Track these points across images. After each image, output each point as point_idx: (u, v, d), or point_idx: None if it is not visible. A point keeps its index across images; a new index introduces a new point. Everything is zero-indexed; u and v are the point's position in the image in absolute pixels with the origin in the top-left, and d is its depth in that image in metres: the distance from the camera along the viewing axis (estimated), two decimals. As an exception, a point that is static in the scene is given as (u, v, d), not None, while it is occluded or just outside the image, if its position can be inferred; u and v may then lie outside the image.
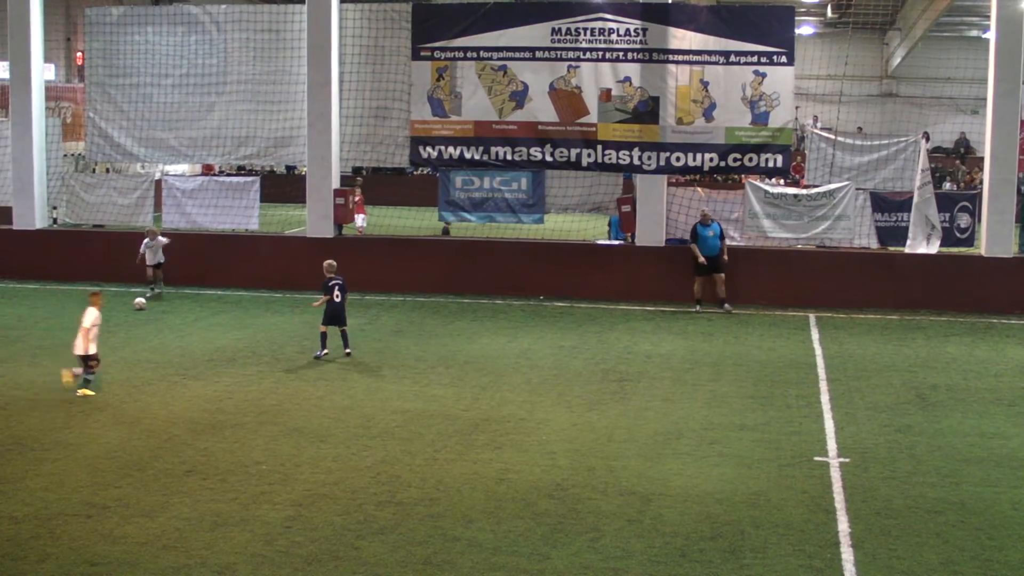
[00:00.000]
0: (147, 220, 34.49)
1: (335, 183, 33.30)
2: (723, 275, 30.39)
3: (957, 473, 16.76)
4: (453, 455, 17.15)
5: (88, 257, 34.06)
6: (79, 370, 20.55)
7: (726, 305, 30.27)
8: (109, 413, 19.36)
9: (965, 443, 18.39)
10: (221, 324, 27.87)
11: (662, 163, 31.89)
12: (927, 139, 35.91)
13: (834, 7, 57.75)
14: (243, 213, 34.33)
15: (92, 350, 20.51)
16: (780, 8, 33.92)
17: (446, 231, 39.11)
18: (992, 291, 31.13)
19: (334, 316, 24.09)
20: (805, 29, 59.11)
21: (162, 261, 31.25)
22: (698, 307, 30.41)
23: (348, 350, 24.03)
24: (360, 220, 41.18)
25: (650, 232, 32.36)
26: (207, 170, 55.10)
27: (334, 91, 32.99)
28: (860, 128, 52.33)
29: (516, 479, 16.02)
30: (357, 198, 37.99)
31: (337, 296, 23.97)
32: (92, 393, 20.33)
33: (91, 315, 20.63)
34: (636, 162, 31.98)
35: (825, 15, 59.15)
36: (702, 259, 30.24)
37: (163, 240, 31.22)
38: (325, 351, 23.78)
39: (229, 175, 46.59)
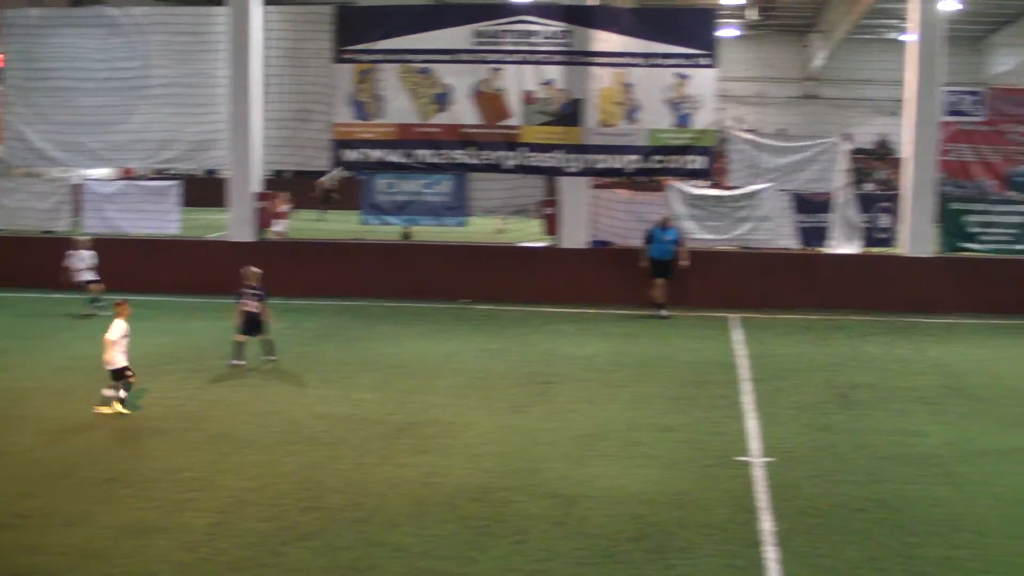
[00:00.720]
0: (65, 226, 34.13)
1: (256, 187, 33.12)
2: (668, 280, 30.31)
3: (879, 471, 16.91)
4: (378, 459, 17.07)
5: (9, 263, 33.58)
6: (109, 391, 19.81)
7: (662, 311, 30.21)
8: (30, 421, 19.10)
9: (887, 441, 18.54)
10: (142, 330, 27.39)
11: (585, 165, 31.96)
12: (848, 140, 36.13)
13: (760, 10, 58.13)
14: (163, 217, 33.99)
15: (121, 362, 19.83)
16: (701, 10, 34.22)
17: (407, 235, 38.53)
18: (913, 291, 31.44)
19: (249, 326, 23.79)
20: (729, 32, 59.43)
21: (89, 278, 30.12)
22: (663, 311, 30.31)
23: (272, 358, 23.69)
24: (281, 226, 40.79)
25: (574, 234, 32.42)
26: (127, 174, 54.59)
27: (256, 94, 32.80)
28: (782, 130, 52.67)
29: (441, 483, 15.97)
30: (283, 206, 37.67)
31: (251, 306, 23.60)
32: (127, 411, 19.72)
33: (118, 327, 20.03)
34: (559, 164, 32.03)
35: (749, 18, 59.54)
36: (644, 263, 30.26)
37: (87, 253, 30.09)
38: (241, 362, 23.44)
39: (149, 179, 46.13)
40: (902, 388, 22.46)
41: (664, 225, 30.52)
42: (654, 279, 30.31)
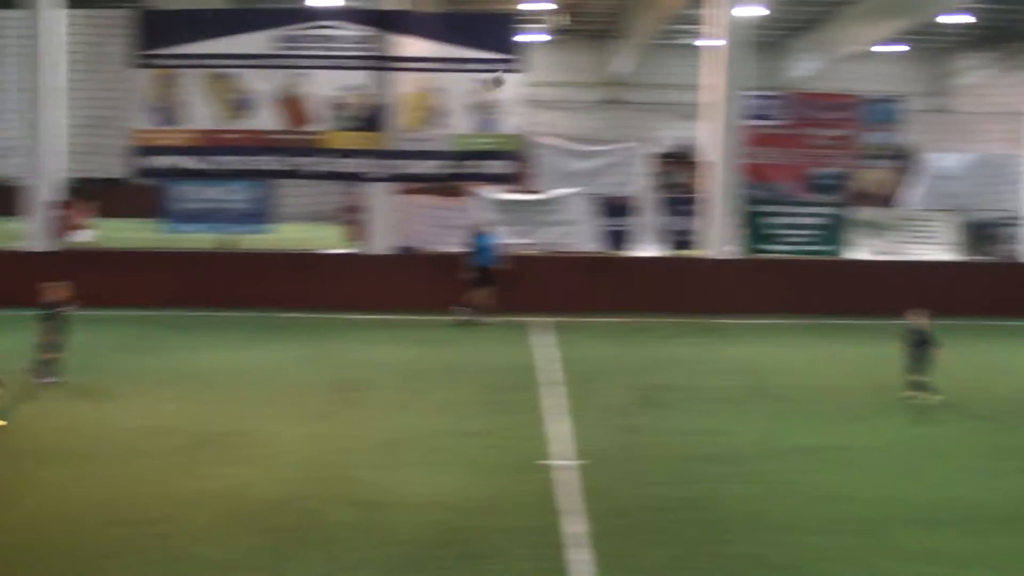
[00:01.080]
0: None
1: (53, 195, 32.31)
2: (490, 288, 30.16)
3: (689, 471, 17.03)
4: (182, 471, 16.65)
5: None
6: None
7: (487, 318, 30.00)
8: None
9: (696, 441, 18.71)
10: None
11: (391, 171, 31.77)
12: (652, 144, 36.58)
13: (568, 15, 58.39)
14: None
15: None
16: (502, 16, 34.27)
17: (224, 244, 37.67)
18: (717, 292, 31.88)
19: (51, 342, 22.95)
20: (537, 37, 59.67)
21: None
22: (485, 319, 30.08)
23: (54, 379, 22.83)
24: (87, 235, 39.73)
25: (381, 240, 32.23)
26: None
27: (52, 99, 31.97)
28: (588, 134, 53.05)
29: (248, 493, 15.62)
30: (83, 215, 36.76)
31: (53, 320, 22.79)
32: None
33: None
34: (365, 170, 31.79)
35: (557, 23, 59.82)
36: (471, 272, 30.09)
37: None
38: (47, 377, 22.67)
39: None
40: (710, 388, 22.74)
41: (484, 232, 30.48)
42: (477, 286, 30.20)
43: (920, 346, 21.52)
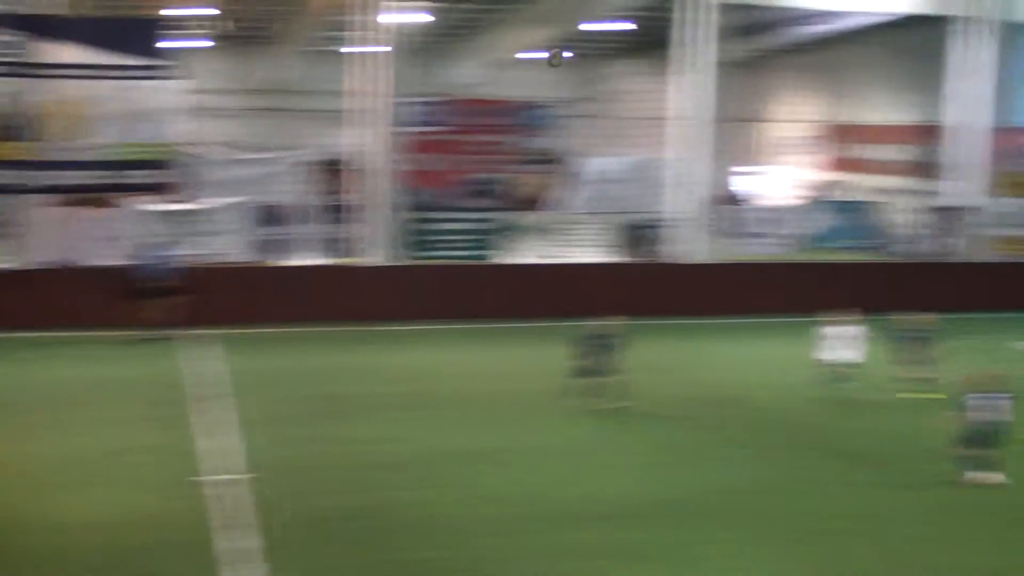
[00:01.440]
0: None
1: None
2: (164, 302, 29.23)
3: (365, 479, 17.06)
4: None
5: None
6: None
7: (163, 332, 29.10)
8: None
9: (371, 450, 18.75)
10: None
11: (40, 182, 30.52)
12: (311, 152, 36.30)
13: (232, 22, 57.73)
14: None
15: None
16: (151, 21, 33.44)
17: None
18: (380, 299, 31.72)
19: None
20: (200, 43, 58.84)
21: None
22: (159, 333, 29.01)
23: None
24: None
25: (34, 254, 31.03)
26: None
27: None
28: (250, 141, 52.49)
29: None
30: None
31: None
32: None
33: None
34: (11, 182, 30.48)
35: (218, 29, 59.10)
36: (141, 285, 29.12)
37: None
38: None
39: None
40: (381, 396, 22.76)
41: (152, 245, 29.68)
42: (148, 300, 29.26)
43: (606, 349, 21.68)
